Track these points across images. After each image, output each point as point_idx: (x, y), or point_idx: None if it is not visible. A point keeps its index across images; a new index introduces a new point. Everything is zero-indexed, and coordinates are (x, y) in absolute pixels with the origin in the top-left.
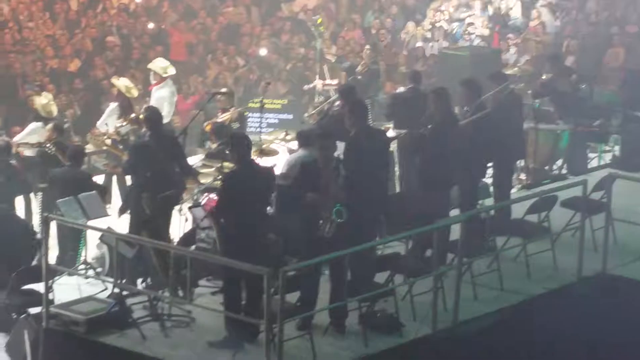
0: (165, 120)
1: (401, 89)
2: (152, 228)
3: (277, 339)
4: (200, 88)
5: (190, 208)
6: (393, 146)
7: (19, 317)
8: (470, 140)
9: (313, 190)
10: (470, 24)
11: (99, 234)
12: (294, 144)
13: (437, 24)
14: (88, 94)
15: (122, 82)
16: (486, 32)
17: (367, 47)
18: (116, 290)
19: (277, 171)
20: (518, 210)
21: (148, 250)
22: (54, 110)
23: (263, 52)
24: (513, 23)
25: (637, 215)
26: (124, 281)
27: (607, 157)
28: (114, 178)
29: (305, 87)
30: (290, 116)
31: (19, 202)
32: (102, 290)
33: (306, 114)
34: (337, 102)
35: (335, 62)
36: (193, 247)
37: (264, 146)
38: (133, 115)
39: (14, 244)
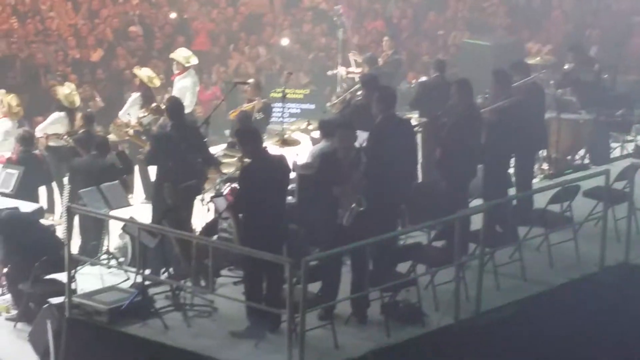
0: (187, 110)
1: (423, 78)
2: (174, 218)
3: (299, 329)
4: (222, 78)
5: (212, 198)
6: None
7: (40, 306)
8: (495, 128)
9: (334, 181)
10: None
11: (121, 223)
12: (316, 133)
13: (459, 14)
14: (110, 84)
15: (144, 72)
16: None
17: (386, 37)
18: (138, 280)
19: (300, 161)
20: (540, 200)
21: (170, 240)
22: (77, 100)
23: (285, 42)
24: None
25: None
26: (146, 271)
27: (630, 147)
28: (136, 168)
29: (329, 72)
30: (312, 106)
31: (42, 192)
32: (125, 280)
33: (329, 104)
34: (359, 92)
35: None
36: (215, 236)
37: (286, 136)
38: (155, 105)
39: (42, 250)
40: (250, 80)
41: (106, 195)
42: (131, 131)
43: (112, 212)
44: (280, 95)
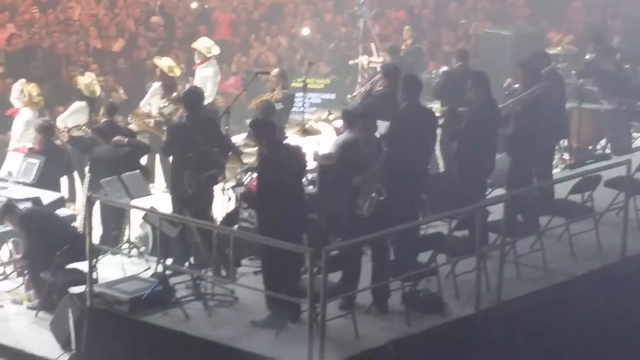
0: (208, 100)
1: (444, 68)
2: (195, 207)
3: (320, 319)
4: (243, 68)
5: (233, 187)
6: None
7: (61, 296)
8: (522, 118)
9: (355, 170)
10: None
11: (142, 213)
12: (338, 123)
13: (480, 4)
14: (131, 74)
15: (164, 62)
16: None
17: (407, 26)
18: (159, 269)
19: (321, 151)
20: (561, 190)
21: (191, 229)
22: (97, 89)
23: (305, 31)
24: None
25: None
26: (167, 260)
27: None
28: (157, 157)
29: (351, 61)
30: (333, 96)
31: (63, 181)
32: (146, 270)
33: (349, 96)
34: (380, 82)
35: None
36: (236, 226)
37: (307, 125)
38: (176, 94)
39: (63, 241)
40: (275, 70)
41: (127, 184)
42: (152, 122)
43: (133, 202)
44: (301, 85)
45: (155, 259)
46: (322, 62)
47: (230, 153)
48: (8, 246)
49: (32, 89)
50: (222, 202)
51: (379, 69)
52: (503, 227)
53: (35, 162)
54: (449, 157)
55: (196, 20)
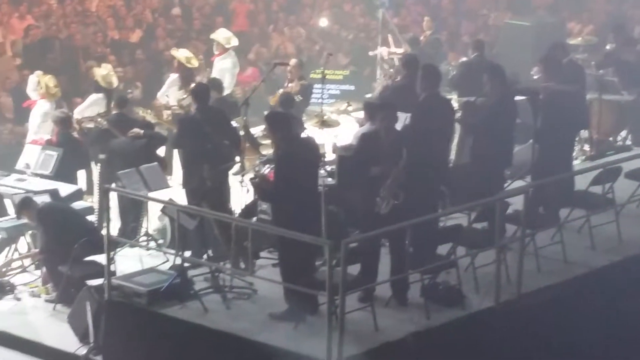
0: (226, 92)
1: (464, 59)
2: (214, 199)
3: (339, 311)
4: (262, 59)
5: (251, 179)
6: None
7: (79, 288)
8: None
9: (373, 161)
10: None
11: (160, 205)
12: (357, 115)
13: None
14: (149, 66)
15: (181, 53)
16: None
17: (427, 17)
18: (178, 261)
19: (340, 142)
20: (582, 182)
21: (209, 222)
22: (115, 81)
23: (323, 22)
24: None
25: None
26: (185, 253)
27: None
28: (175, 151)
29: (371, 53)
30: (352, 87)
31: (81, 175)
32: (164, 262)
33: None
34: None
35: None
36: (254, 218)
37: (325, 117)
38: (193, 85)
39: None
40: (292, 61)
41: (145, 176)
42: (169, 114)
43: (151, 194)
44: (319, 76)
45: (173, 251)
46: (341, 53)
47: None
48: (26, 239)
49: (49, 80)
50: (241, 194)
51: (397, 61)
52: (523, 219)
53: (54, 154)
54: (463, 150)
55: (214, 11)
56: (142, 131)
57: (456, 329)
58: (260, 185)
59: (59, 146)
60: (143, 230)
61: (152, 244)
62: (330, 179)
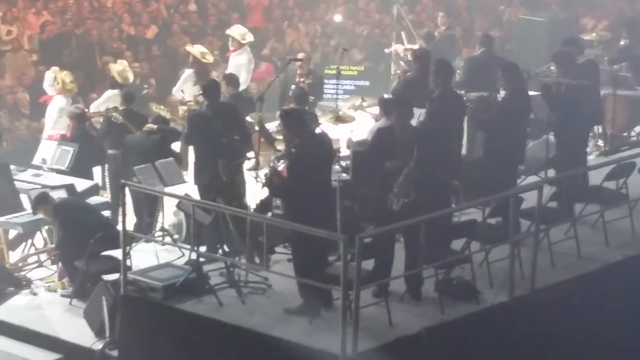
0: (242, 87)
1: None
2: (229, 195)
3: (353, 306)
4: (277, 55)
5: (265, 175)
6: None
7: (95, 283)
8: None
9: (387, 156)
10: None
11: (175, 200)
12: (372, 110)
13: None
14: (165, 61)
15: (196, 49)
16: None
17: (441, 13)
18: (193, 256)
19: (355, 138)
20: (596, 177)
21: (225, 217)
22: (130, 76)
23: (338, 18)
24: None
25: None
26: (201, 248)
27: None
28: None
29: (386, 50)
30: (367, 83)
31: (96, 170)
32: (179, 257)
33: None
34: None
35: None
36: (269, 213)
37: (340, 113)
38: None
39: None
40: (301, 55)
41: (161, 172)
42: (185, 109)
43: (167, 189)
44: (334, 72)
45: (188, 246)
46: (356, 49)
47: (251, 141)
48: (42, 234)
49: (66, 76)
50: (256, 189)
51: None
52: (537, 214)
53: (70, 149)
54: (474, 145)
55: (229, 7)
56: (155, 126)
57: (470, 324)
58: (272, 180)
59: (74, 141)
60: (159, 226)
61: (168, 239)
62: (344, 175)
